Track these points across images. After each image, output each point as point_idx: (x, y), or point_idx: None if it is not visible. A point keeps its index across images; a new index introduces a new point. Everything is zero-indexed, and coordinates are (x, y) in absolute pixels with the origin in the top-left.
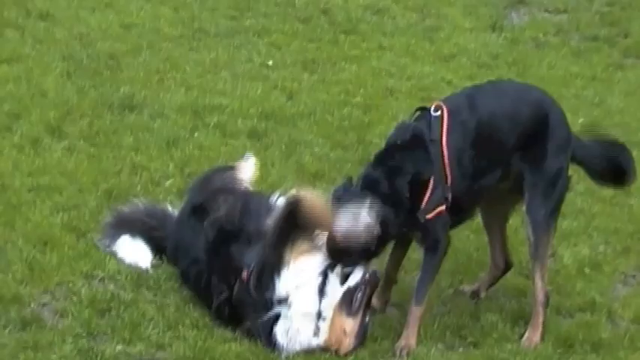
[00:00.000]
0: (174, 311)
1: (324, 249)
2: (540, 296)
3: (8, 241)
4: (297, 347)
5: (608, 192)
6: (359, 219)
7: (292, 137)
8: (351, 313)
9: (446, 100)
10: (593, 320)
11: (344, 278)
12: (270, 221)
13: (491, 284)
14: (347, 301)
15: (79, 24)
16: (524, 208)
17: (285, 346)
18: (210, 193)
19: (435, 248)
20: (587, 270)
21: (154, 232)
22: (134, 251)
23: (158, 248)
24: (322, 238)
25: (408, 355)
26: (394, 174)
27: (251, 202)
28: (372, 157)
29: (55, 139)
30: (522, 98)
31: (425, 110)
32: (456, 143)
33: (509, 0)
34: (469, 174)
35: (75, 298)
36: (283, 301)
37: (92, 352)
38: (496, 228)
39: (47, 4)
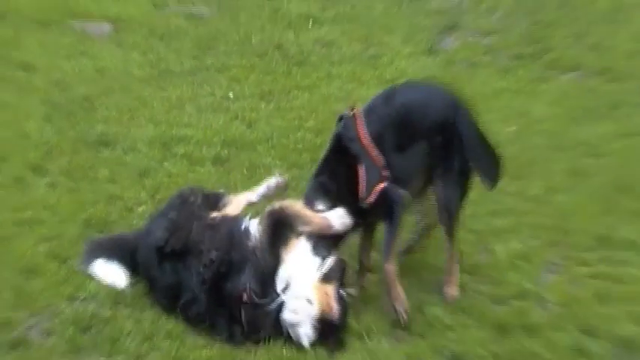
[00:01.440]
0: (150, 324)
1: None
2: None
3: None
4: (304, 318)
5: (535, 191)
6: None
7: (252, 161)
8: (329, 280)
9: (369, 99)
10: (525, 306)
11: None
12: (258, 236)
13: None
14: (325, 274)
15: (56, 71)
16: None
17: (294, 321)
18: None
19: (390, 214)
20: (518, 262)
21: (126, 255)
22: (110, 273)
23: (133, 268)
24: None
25: (403, 307)
26: (333, 177)
27: (231, 231)
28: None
29: (38, 176)
30: (433, 93)
31: (342, 116)
32: (372, 131)
33: (442, 26)
34: (395, 149)
35: (59, 319)
36: (284, 290)
37: None
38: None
39: (27, 55)
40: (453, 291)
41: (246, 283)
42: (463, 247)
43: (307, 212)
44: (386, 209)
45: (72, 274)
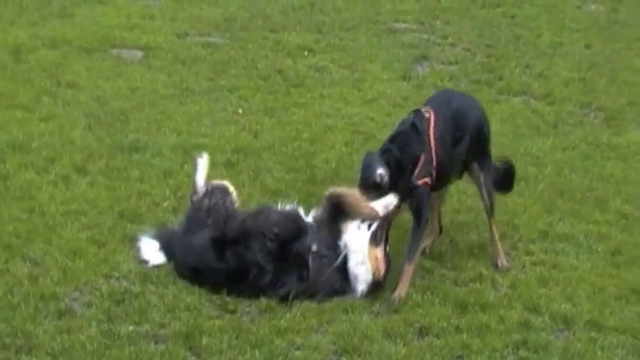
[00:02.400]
0: (172, 298)
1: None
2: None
3: (47, 253)
4: (363, 272)
5: None
6: (375, 169)
7: (257, 165)
8: (377, 245)
9: (431, 102)
10: (481, 288)
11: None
12: (319, 214)
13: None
14: (373, 239)
15: (97, 89)
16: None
17: (358, 273)
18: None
19: (419, 218)
20: (476, 251)
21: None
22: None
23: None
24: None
25: (399, 302)
26: (400, 149)
27: (281, 211)
28: (386, 140)
29: (81, 176)
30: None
31: (418, 111)
32: (439, 135)
33: (415, 56)
34: (448, 152)
35: (97, 293)
36: (345, 247)
37: (111, 333)
38: (438, 203)
39: (73, 76)
40: (503, 261)
41: (312, 241)
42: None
43: (359, 203)
44: (416, 209)
45: (108, 255)
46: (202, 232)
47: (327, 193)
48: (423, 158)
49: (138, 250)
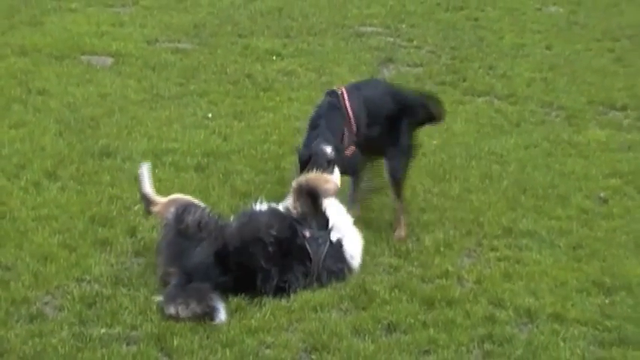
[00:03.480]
0: (144, 300)
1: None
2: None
3: (18, 258)
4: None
5: (455, 192)
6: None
7: (227, 168)
8: None
9: (346, 86)
10: (447, 284)
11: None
12: (300, 208)
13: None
14: None
15: (67, 96)
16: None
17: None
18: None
19: (353, 173)
20: (442, 248)
21: None
22: None
23: None
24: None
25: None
26: (329, 127)
27: (270, 213)
28: (312, 119)
29: (52, 181)
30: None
31: (332, 91)
32: (355, 109)
33: (381, 59)
34: (363, 127)
35: (69, 297)
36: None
37: (83, 336)
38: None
39: (43, 83)
40: (402, 232)
41: (302, 229)
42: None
43: (324, 182)
44: (352, 172)
45: (80, 259)
46: (201, 248)
47: (294, 184)
48: (346, 131)
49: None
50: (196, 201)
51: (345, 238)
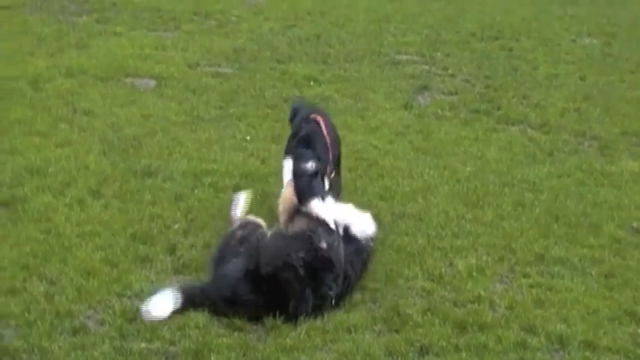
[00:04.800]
0: (182, 317)
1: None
2: None
3: (62, 273)
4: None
5: (488, 218)
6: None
7: (264, 190)
8: None
9: (316, 111)
10: (480, 309)
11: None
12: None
13: None
14: None
15: (111, 116)
16: None
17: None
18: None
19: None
20: (474, 274)
21: None
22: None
23: None
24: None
25: None
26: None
27: (293, 236)
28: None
29: (95, 199)
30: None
31: (309, 118)
32: (330, 136)
33: (417, 87)
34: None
35: (110, 311)
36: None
37: (123, 349)
38: None
39: (89, 104)
40: None
41: (320, 241)
42: (431, 261)
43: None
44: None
45: (121, 275)
46: (236, 260)
47: (281, 208)
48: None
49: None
50: (264, 224)
51: (349, 224)
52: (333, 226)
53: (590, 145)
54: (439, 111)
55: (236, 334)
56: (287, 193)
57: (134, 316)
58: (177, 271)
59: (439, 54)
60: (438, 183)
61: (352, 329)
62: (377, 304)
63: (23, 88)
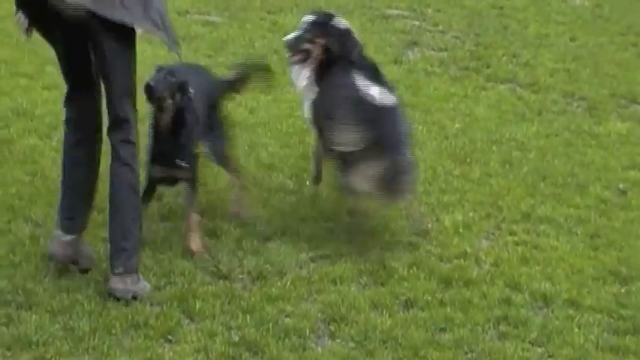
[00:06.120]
0: (168, 263)
1: None
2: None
3: (48, 215)
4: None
5: (475, 175)
6: None
7: (252, 140)
8: None
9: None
10: (465, 265)
11: None
12: None
13: None
14: None
15: None
16: None
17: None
18: None
19: None
20: (460, 230)
21: None
22: None
23: None
24: None
25: None
26: None
27: None
28: None
29: None
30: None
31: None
32: None
33: (406, 42)
34: None
35: (96, 255)
36: None
37: (108, 294)
38: None
39: None
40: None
41: None
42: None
43: None
44: None
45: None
46: None
47: None
48: None
49: None
50: None
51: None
52: None
53: (578, 106)
54: (428, 67)
55: (221, 282)
56: None
57: None
58: (163, 218)
59: (430, 10)
60: (426, 139)
61: (338, 281)
62: (363, 257)
63: (9, 28)
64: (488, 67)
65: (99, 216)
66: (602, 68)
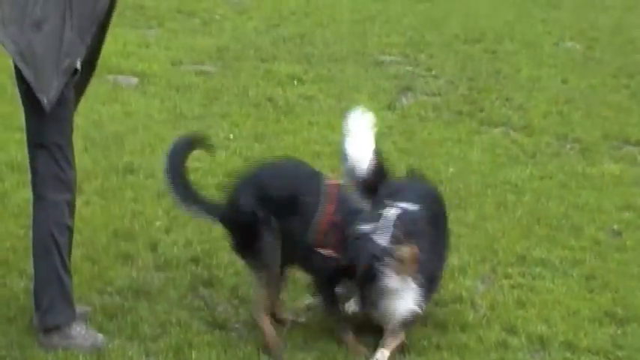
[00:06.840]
0: (163, 314)
1: None
2: None
3: None
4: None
5: (470, 219)
6: None
7: None
8: None
9: None
10: (461, 309)
11: None
12: None
13: None
14: None
15: (93, 113)
16: None
17: None
18: None
19: None
20: (456, 274)
21: None
22: None
23: None
24: None
25: None
26: None
27: None
28: None
29: (77, 195)
30: None
31: None
32: None
33: (400, 87)
34: None
35: (91, 308)
36: None
37: (104, 346)
38: None
39: None
40: None
41: None
42: None
43: None
44: None
45: (102, 272)
46: None
47: None
48: None
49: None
50: None
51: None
52: None
53: (571, 148)
54: (422, 112)
55: (217, 331)
56: None
57: (115, 313)
58: (158, 268)
59: (423, 55)
60: None
61: (334, 328)
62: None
63: (4, 82)
64: (481, 111)
65: (94, 267)
66: (595, 110)
